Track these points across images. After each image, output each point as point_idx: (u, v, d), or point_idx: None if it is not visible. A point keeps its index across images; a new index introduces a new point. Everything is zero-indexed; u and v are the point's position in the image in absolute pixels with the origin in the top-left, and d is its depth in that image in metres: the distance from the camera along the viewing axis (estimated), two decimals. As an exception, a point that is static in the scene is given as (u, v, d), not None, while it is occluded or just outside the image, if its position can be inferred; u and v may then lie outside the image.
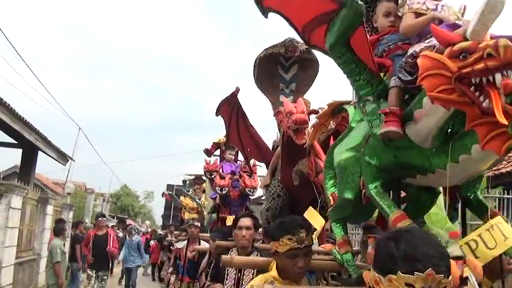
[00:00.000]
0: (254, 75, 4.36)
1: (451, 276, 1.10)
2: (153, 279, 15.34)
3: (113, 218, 26.85)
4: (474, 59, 1.31)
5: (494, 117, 1.30)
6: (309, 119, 3.52)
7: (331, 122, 2.68)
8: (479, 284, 1.40)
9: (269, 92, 4.39)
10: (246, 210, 6.00)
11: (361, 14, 1.69)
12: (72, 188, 16.08)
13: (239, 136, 4.72)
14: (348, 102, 2.45)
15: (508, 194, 7.16)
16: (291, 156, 3.72)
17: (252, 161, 5.80)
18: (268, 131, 4.80)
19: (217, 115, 4.65)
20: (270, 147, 4.75)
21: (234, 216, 5.46)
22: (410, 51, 1.68)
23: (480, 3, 1.33)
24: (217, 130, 7.03)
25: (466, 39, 1.38)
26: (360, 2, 1.68)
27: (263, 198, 6.99)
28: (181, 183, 16.05)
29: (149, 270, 16.60)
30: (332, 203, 2.42)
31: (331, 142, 3.41)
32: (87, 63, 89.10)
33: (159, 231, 18.55)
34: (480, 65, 1.29)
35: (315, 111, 3.76)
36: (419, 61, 1.48)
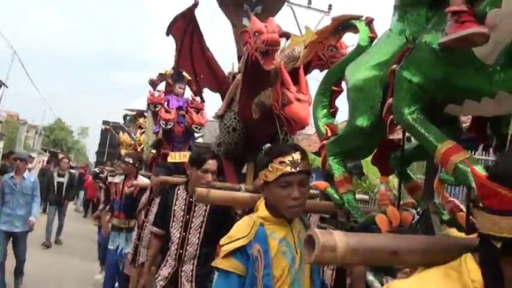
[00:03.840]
0: None
1: None
2: (85, 216, 14.79)
3: (45, 151, 25.51)
4: None
5: None
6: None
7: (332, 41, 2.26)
8: None
9: (231, 12, 4.03)
10: (189, 149, 5.68)
11: None
12: (4, 116, 14.91)
13: (192, 61, 4.22)
14: (359, 17, 2.04)
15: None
16: (254, 85, 3.31)
17: (198, 99, 5.45)
18: (224, 59, 4.30)
19: (168, 34, 4.10)
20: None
21: (176, 153, 5.13)
22: None
23: None
24: (158, 69, 6.53)
25: None
26: None
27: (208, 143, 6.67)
28: (117, 120, 15.39)
29: (81, 207, 15.98)
30: (329, 134, 2.05)
31: (301, 71, 3.02)
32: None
33: (94, 168, 17.78)
34: None
35: (287, 34, 3.34)
36: None
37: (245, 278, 1.73)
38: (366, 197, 2.77)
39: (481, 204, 0.85)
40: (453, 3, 1.29)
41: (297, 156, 1.80)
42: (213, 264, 1.93)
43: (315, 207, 2.11)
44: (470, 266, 0.89)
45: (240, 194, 2.25)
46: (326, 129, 2.11)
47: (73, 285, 6.65)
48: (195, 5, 3.93)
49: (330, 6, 13.29)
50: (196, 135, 6.13)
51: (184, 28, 4.06)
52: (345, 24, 2.11)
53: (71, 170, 10.80)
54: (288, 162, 1.77)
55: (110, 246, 5.51)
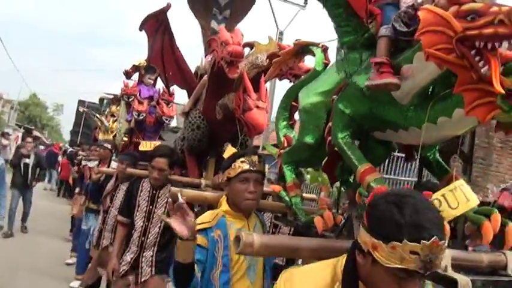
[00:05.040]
0: None
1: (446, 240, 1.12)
2: (58, 195, 14.82)
3: (20, 127, 25.14)
4: (484, 22, 1.27)
5: (487, 85, 1.30)
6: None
7: (294, 61, 2.57)
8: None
9: (201, 15, 4.17)
10: (159, 139, 5.98)
11: None
12: None
13: (162, 57, 4.43)
14: (316, 44, 2.36)
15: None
16: (218, 89, 3.56)
17: (171, 89, 5.64)
18: (193, 55, 4.54)
19: (140, 30, 4.31)
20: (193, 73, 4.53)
21: (147, 142, 5.41)
22: (406, 1, 1.60)
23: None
24: (137, 48, 6.64)
25: (473, 0, 1.34)
26: None
27: (179, 127, 6.94)
28: (94, 100, 15.29)
29: (54, 186, 15.94)
30: (285, 145, 2.39)
31: (262, 80, 3.31)
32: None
33: (68, 147, 17.74)
34: (489, 30, 1.25)
35: (251, 45, 3.61)
36: (421, 14, 1.41)
37: (207, 250, 2.05)
38: (314, 196, 3.10)
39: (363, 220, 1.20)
40: (378, 54, 1.63)
41: (255, 158, 2.17)
42: None
43: (269, 207, 2.45)
44: (342, 261, 1.24)
45: (208, 194, 2.58)
46: (284, 140, 2.44)
47: (46, 263, 6.72)
48: (168, 7, 4.14)
49: (306, 1, 13.46)
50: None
51: (157, 27, 4.26)
52: (304, 48, 2.43)
53: (43, 149, 10.27)
54: (248, 162, 2.14)
55: (83, 227, 5.84)
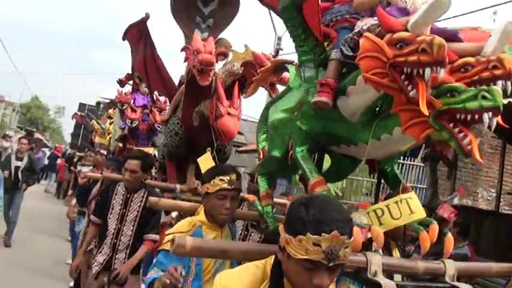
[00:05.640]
0: (171, 2, 4.13)
1: (352, 237, 1.28)
2: (58, 197, 15.04)
3: (21, 129, 25.50)
4: (409, 51, 1.40)
5: (417, 106, 1.43)
6: (216, 60, 3.48)
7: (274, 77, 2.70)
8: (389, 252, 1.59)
9: (184, 23, 4.20)
10: (152, 145, 6.17)
11: None
12: None
13: (145, 66, 4.57)
14: (291, 62, 2.48)
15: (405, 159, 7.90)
16: (194, 96, 3.68)
17: (163, 98, 5.83)
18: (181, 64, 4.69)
19: (123, 39, 4.45)
20: (178, 81, 4.64)
21: (140, 148, 5.57)
22: (358, 27, 1.73)
23: (428, -1, 1.40)
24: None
25: (406, 30, 1.46)
26: None
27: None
28: (94, 104, 15.54)
29: (53, 189, 16.15)
30: (261, 157, 2.51)
31: (236, 87, 3.43)
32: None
33: (68, 150, 18.04)
34: (413, 58, 1.39)
35: (224, 53, 3.71)
36: (361, 41, 1.54)
37: (181, 260, 2.16)
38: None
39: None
40: (326, 75, 1.76)
41: (233, 176, 2.31)
42: (159, 248, 2.41)
43: (244, 216, 2.59)
44: (270, 261, 1.39)
45: (185, 203, 2.74)
46: (260, 152, 2.58)
47: (47, 264, 6.88)
48: (147, 17, 4.28)
49: None
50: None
51: (139, 36, 4.40)
52: (280, 66, 2.56)
53: (44, 151, 9.91)
54: (226, 180, 2.28)
55: (76, 229, 6.11)
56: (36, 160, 9.02)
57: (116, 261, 3.41)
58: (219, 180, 2.28)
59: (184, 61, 3.61)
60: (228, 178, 2.28)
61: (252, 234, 2.67)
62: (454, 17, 7.83)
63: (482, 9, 7.05)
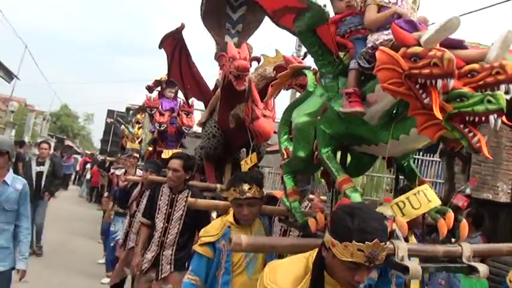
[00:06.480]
0: (201, 10, 4.37)
1: (388, 242, 1.50)
2: (90, 201, 15.52)
3: (52, 137, 26.10)
4: (422, 64, 1.59)
5: (431, 111, 1.63)
6: (250, 65, 3.71)
7: (292, 82, 2.90)
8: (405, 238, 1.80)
9: (214, 30, 4.44)
10: (181, 147, 6.41)
11: (326, 18, 1.96)
12: (16, 106, 15.64)
13: (181, 73, 4.83)
14: (308, 68, 2.68)
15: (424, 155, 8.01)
16: (230, 100, 3.90)
17: (190, 101, 6.05)
18: (213, 67, 4.92)
19: (160, 48, 4.70)
20: (213, 85, 4.90)
21: (169, 150, 5.84)
22: (371, 40, 1.92)
23: (441, 19, 1.59)
24: (162, 58, 6.91)
25: (419, 44, 1.66)
26: (326, 9, 1.93)
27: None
28: (122, 110, 15.91)
29: (85, 193, 16.66)
30: (285, 157, 2.72)
31: (269, 89, 3.64)
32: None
33: (99, 156, 18.46)
34: (426, 70, 1.58)
35: (257, 59, 3.93)
36: (377, 54, 1.74)
37: (213, 259, 2.58)
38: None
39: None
40: (348, 85, 1.96)
41: (245, 187, 2.58)
42: (193, 247, 2.71)
43: (274, 211, 2.81)
44: (313, 255, 1.60)
45: (220, 203, 3.00)
46: (284, 152, 2.79)
47: (83, 261, 7.40)
48: (182, 27, 4.52)
49: (325, 5, 13.66)
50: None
51: (174, 45, 4.65)
52: (298, 71, 2.77)
53: (76, 157, 10.33)
54: (238, 191, 2.58)
55: (111, 229, 6.41)
56: (59, 164, 8.61)
57: (163, 258, 3.59)
58: (233, 191, 2.59)
59: (220, 68, 3.82)
60: (240, 189, 2.56)
61: (292, 229, 2.90)
62: (475, 11, 7.96)
63: (501, 2, 7.12)
